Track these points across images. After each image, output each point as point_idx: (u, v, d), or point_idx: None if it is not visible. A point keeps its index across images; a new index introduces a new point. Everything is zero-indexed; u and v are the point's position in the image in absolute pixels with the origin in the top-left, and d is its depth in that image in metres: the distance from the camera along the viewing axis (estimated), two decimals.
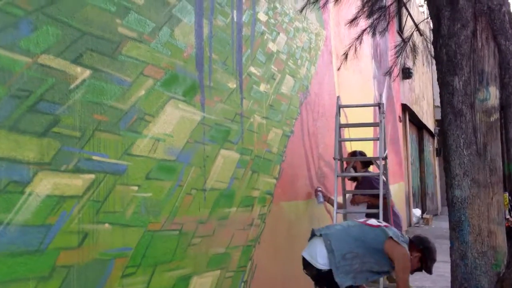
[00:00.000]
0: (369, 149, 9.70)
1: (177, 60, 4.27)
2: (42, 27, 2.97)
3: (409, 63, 7.14)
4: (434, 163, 23.76)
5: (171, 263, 4.07)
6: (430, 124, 21.57)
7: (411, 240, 4.35)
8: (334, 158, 6.63)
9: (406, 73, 15.09)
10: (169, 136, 4.10)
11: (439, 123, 21.55)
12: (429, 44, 6.15)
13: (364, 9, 5.71)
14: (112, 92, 3.49)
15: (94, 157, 3.31)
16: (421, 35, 6.69)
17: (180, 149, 4.24)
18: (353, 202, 6.78)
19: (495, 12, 4.08)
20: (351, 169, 6.93)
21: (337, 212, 6.39)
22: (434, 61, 4.40)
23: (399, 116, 14.64)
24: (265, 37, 6.02)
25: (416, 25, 5.99)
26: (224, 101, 4.97)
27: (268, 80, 6.02)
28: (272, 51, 6.20)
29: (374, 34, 6.03)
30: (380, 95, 7.89)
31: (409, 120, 17.04)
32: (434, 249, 4.36)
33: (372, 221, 4.52)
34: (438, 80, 4.26)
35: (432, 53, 4.50)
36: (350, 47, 6.44)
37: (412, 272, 4.34)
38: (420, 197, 19.72)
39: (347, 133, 8.95)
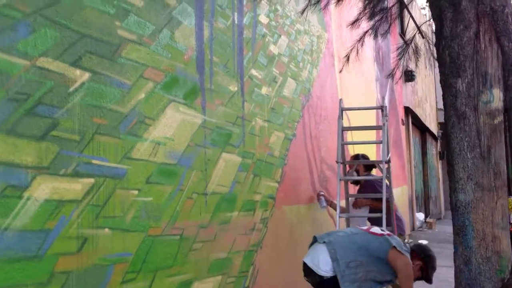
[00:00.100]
0: (372, 152, 9.65)
1: (178, 62, 4.24)
2: (40, 29, 2.94)
3: (412, 66, 7.09)
4: (437, 166, 23.69)
5: (172, 268, 4.02)
6: (433, 127, 21.52)
7: (412, 249, 4.32)
8: (337, 162, 6.58)
9: (409, 76, 15.05)
10: (169, 140, 4.07)
11: (442, 126, 21.48)
12: (431, 46, 6.11)
13: (366, 11, 5.67)
14: (111, 95, 3.46)
15: (94, 161, 3.27)
16: (423, 37, 6.65)
17: (181, 152, 4.21)
18: (355, 205, 6.73)
19: (498, 13, 4.04)
20: (354, 173, 6.87)
21: (340, 216, 6.33)
22: (436, 63, 4.36)
23: (402, 119, 14.60)
24: (267, 39, 5.99)
25: (418, 27, 5.95)
26: (225, 104, 4.93)
27: (270, 83, 5.98)
28: (274, 54, 6.16)
29: (376, 36, 5.99)
30: (383, 98, 7.83)
31: (412, 123, 16.98)
32: (434, 258, 4.33)
33: (376, 229, 4.47)
34: (441, 82, 4.21)
35: (435, 55, 4.45)
36: (352, 49, 6.40)
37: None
38: (423, 200, 19.65)
39: (349, 136, 8.91)
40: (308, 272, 4.25)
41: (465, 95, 4.01)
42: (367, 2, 5.59)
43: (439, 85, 4.29)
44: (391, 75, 6.78)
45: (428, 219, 17.39)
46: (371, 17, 5.69)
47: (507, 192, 4.03)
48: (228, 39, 5.08)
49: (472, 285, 3.89)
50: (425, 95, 19.78)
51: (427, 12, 19.36)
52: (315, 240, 4.39)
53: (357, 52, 6.31)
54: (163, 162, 3.97)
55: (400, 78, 10.58)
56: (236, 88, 5.15)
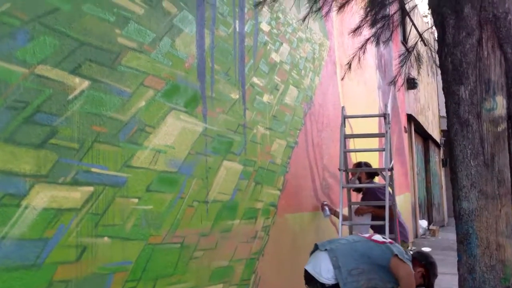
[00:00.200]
0: (375, 160, 9.62)
1: (178, 70, 4.22)
2: (39, 37, 2.92)
3: (414, 73, 7.06)
4: (440, 174, 23.62)
5: (173, 277, 3.99)
6: (436, 134, 21.47)
7: (413, 257, 4.29)
8: (339, 169, 6.55)
9: (411, 83, 15.01)
10: (170, 148, 4.04)
11: (444, 133, 21.48)
12: (433, 54, 6.08)
13: (367, 18, 5.64)
14: (111, 103, 3.44)
15: (93, 169, 3.25)
16: (425, 44, 6.63)
17: (181, 160, 4.18)
18: (357, 212, 6.69)
19: (500, 20, 4.01)
20: (356, 180, 6.85)
21: (342, 224, 6.30)
22: (439, 71, 4.33)
23: (405, 127, 14.56)
24: (268, 47, 5.97)
25: (420, 35, 5.93)
26: (227, 112, 4.91)
27: (272, 90, 5.96)
28: (275, 62, 6.15)
29: (377, 44, 5.96)
30: (385, 106, 7.83)
31: (415, 130, 16.95)
32: (436, 265, 4.31)
33: (377, 237, 4.45)
34: (443, 89, 4.18)
35: (437, 62, 4.42)
36: (353, 56, 6.37)
37: None
38: (426, 208, 19.58)
39: (352, 144, 8.87)
40: (309, 279, 4.22)
41: (468, 103, 3.98)
42: (368, 9, 5.56)
43: (442, 92, 4.26)
44: (393, 82, 6.74)
45: (431, 227, 17.32)
46: (372, 25, 5.67)
47: (511, 200, 3.98)
48: (230, 47, 5.07)
49: None
50: (428, 103, 19.75)
51: (429, 20, 19.36)
52: (316, 248, 4.36)
53: (359, 60, 6.29)
54: (163, 170, 3.94)
55: (402, 86, 10.55)
56: (237, 96, 5.13)
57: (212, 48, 4.76)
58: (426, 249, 11.38)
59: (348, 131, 8.17)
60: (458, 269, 4.00)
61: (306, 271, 4.25)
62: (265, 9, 5.93)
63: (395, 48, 13.18)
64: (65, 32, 3.11)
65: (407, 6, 6.20)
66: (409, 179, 15.12)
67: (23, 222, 2.75)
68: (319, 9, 5.51)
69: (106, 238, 3.32)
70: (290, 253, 6.09)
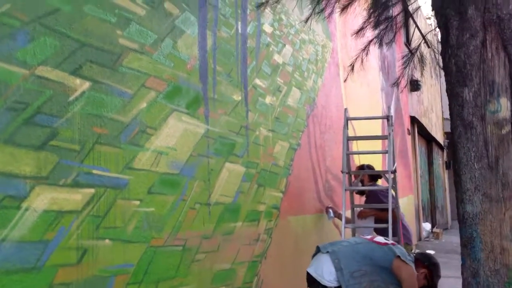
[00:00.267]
0: (378, 162, 9.59)
1: (180, 72, 4.20)
2: (39, 38, 2.90)
3: (417, 75, 7.03)
4: (443, 176, 23.55)
5: (174, 279, 3.97)
6: (439, 136, 21.41)
7: (416, 258, 4.26)
8: (342, 172, 6.53)
9: (415, 85, 14.98)
10: (172, 149, 4.02)
11: (448, 135, 21.41)
12: (437, 55, 6.06)
13: (370, 20, 5.61)
14: (112, 104, 3.42)
15: (94, 171, 3.23)
16: (428, 46, 6.60)
17: (183, 162, 4.16)
18: (360, 216, 6.67)
19: (504, 21, 3.98)
20: (359, 183, 6.82)
21: (345, 227, 6.27)
22: (442, 73, 4.30)
23: (408, 129, 14.53)
24: (271, 49, 5.95)
25: (423, 36, 5.90)
26: (229, 113, 4.89)
27: (274, 92, 5.94)
28: (278, 63, 6.12)
29: (380, 45, 5.93)
30: (388, 108, 7.78)
31: (418, 132, 16.90)
32: (439, 266, 4.29)
33: (379, 239, 4.42)
34: (447, 91, 4.15)
35: (441, 64, 4.39)
36: (356, 58, 6.35)
37: None
38: (430, 210, 19.52)
39: (355, 146, 8.85)
40: (311, 282, 4.20)
41: (472, 105, 3.95)
42: (371, 11, 5.54)
43: (445, 94, 4.23)
44: (396, 83, 6.72)
45: (434, 229, 17.25)
46: (375, 26, 5.64)
47: None
48: (232, 48, 5.04)
49: None
50: (431, 105, 19.70)
51: (432, 22, 19.33)
52: (318, 250, 4.34)
53: (362, 61, 6.26)
54: (165, 172, 3.92)
55: (405, 87, 10.51)
56: (239, 98, 5.11)
57: (214, 50, 4.74)
58: (429, 252, 11.33)
59: (351, 133, 8.14)
60: (462, 273, 3.96)
61: (308, 273, 4.22)
62: (268, 10, 5.91)
63: (399, 50, 13.15)
64: (65, 33, 3.09)
65: (410, 8, 6.17)
66: (413, 182, 15.08)
67: (23, 224, 2.73)
68: (322, 10, 5.49)
69: (107, 241, 3.30)
70: (292, 255, 6.07)
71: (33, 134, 2.82)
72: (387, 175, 6.43)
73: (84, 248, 3.12)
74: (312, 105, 7.21)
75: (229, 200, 4.80)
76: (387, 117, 6.80)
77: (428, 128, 18.11)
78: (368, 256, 4.13)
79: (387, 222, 5.98)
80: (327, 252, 4.19)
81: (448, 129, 4.51)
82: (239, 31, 5.23)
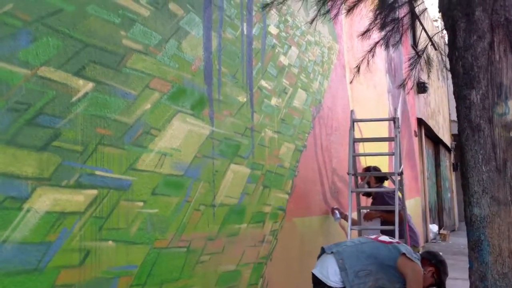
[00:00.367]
0: (385, 164, 9.55)
1: (185, 73, 4.18)
2: (42, 38, 2.89)
3: (424, 77, 7.00)
4: (451, 178, 23.46)
5: (179, 281, 3.94)
6: (446, 138, 21.33)
7: (422, 256, 4.21)
8: (348, 173, 6.49)
9: (422, 88, 14.93)
10: (176, 151, 4.00)
11: (455, 137, 21.32)
12: (444, 57, 6.01)
13: (377, 21, 5.58)
14: (116, 105, 3.40)
15: (97, 172, 3.21)
16: (435, 48, 6.56)
17: (188, 163, 4.14)
18: (366, 217, 6.64)
19: None
20: (365, 185, 6.78)
21: (351, 229, 6.24)
22: (449, 75, 4.26)
23: (415, 131, 14.47)
24: (276, 50, 5.92)
25: (430, 38, 5.86)
26: (234, 115, 4.87)
27: (280, 94, 5.91)
28: (284, 65, 6.10)
29: (387, 47, 5.90)
30: (395, 110, 7.75)
31: (425, 134, 16.83)
32: (446, 263, 4.22)
33: (384, 238, 4.39)
34: (454, 93, 4.11)
35: (448, 66, 4.35)
36: (362, 60, 6.31)
37: None
38: (437, 212, 19.44)
39: (361, 148, 8.81)
40: (317, 283, 4.17)
41: (480, 107, 3.90)
42: (378, 12, 5.50)
43: (452, 96, 4.19)
44: (402, 85, 6.67)
45: (442, 231, 17.16)
46: (382, 28, 5.60)
47: None
48: (237, 49, 5.02)
49: None
50: (438, 107, 19.63)
51: (439, 24, 19.27)
52: (323, 251, 4.30)
53: (368, 63, 6.22)
54: (169, 173, 3.90)
55: (411, 89, 10.47)
56: (245, 99, 5.09)
57: (219, 51, 4.72)
58: None
59: (357, 135, 8.11)
60: (470, 277, 3.92)
61: (313, 275, 4.19)
62: (274, 12, 5.88)
63: (405, 52, 13.09)
64: (68, 34, 3.07)
65: (416, 10, 6.13)
66: (420, 184, 15.01)
67: (25, 226, 2.71)
68: (328, 11, 5.45)
69: (110, 242, 3.28)
70: (298, 257, 6.03)
71: (35, 135, 2.81)
72: (393, 177, 6.39)
73: (87, 249, 3.10)
74: (318, 106, 7.18)
75: (234, 201, 4.77)
76: (394, 119, 6.76)
77: (435, 130, 18.04)
78: (373, 255, 4.09)
79: (393, 224, 5.94)
80: (332, 252, 4.16)
81: (455, 131, 4.46)
82: (245, 32, 5.21)
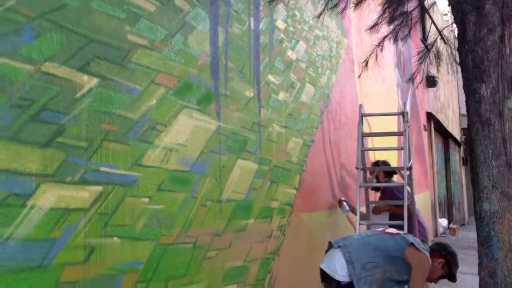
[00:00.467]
0: (394, 159, 9.49)
1: (191, 68, 4.15)
2: (45, 34, 2.86)
3: (433, 71, 6.94)
4: (460, 172, 23.35)
5: (185, 277, 3.92)
6: (456, 132, 21.21)
7: (431, 248, 4.16)
8: (357, 168, 6.45)
9: (431, 82, 14.83)
10: (182, 146, 3.97)
11: (465, 131, 21.21)
12: (453, 51, 5.95)
13: (385, 15, 5.52)
14: (121, 101, 3.37)
15: (102, 168, 3.19)
16: (445, 42, 6.49)
17: (194, 159, 4.11)
18: (374, 211, 6.60)
19: None
20: (374, 179, 6.74)
21: (360, 224, 6.19)
22: (459, 69, 4.21)
23: (424, 125, 14.38)
24: (284, 45, 5.88)
25: (440, 32, 5.79)
26: (241, 110, 4.83)
27: (287, 88, 5.87)
28: (291, 59, 6.05)
29: (395, 41, 5.84)
30: (404, 104, 7.67)
31: (435, 128, 16.74)
32: (456, 254, 4.17)
33: (391, 230, 4.35)
34: (464, 87, 4.06)
35: (458, 59, 4.30)
36: (371, 54, 6.26)
37: (436, 280, 4.19)
38: (447, 206, 19.36)
39: (370, 142, 8.76)
40: (325, 278, 4.14)
41: (490, 101, 3.86)
42: (386, 6, 5.44)
43: (462, 90, 4.14)
44: (411, 79, 6.61)
45: (451, 225, 17.11)
46: (390, 22, 5.54)
47: None
48: (244, 44, 4.98)
49: None
50: (448, 101, 19.51)
51: (449, 18, 19.12)
52: (330, 246, 4.28)
53: (376, 57, 6.17)
54: (175, 169, 3.88)
55: (420, 83, 10.40)
56: (252, 94, 5.05)
57: (226, 46, 4.68)
58: None
59: (366, 129, 8.06)
60: (479, 273, 3.88)
61: (321, 269, 4.16)
62: (281, 6, 5.84)
63: (415, 46, 13.00)
64: (73, 29, 3.05)
65: (426, 3, 6.06)
66: (429, 178, 14.94)
67: (29, 223, 2.69)
68: (335, 5, 5.40)
69: (115, 238, 3.26)
70: (306, 252, 6.01)
71: (39, 131, 2.79)
72: (402, 172, 6.35)
73: (92, 246, 3.08)
74: (326, 101, 7.13)
75: (241, 197, 4.74)
76: (403, 113, 6.70)
77: (445, 124, 17.94)
78: (380, 247, 4.05)
79: (402, 217, 5.90)
80: (339, 246, 4.13)
81: (465, 125, 4.41)
82: (252, 27, 5.17)
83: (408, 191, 6.20)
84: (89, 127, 3.11)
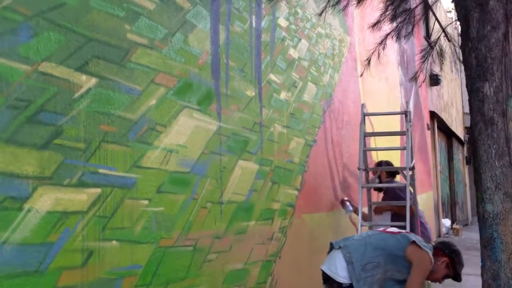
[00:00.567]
0: (397, 158, 9.43)
1: (192, 67, 4.10)
2: (43, 33, 2.82)
3: (436, 69, 6.87)
4: (464, 172, 23.27)
5: (185, 281, 3.88)
6: (460, 131, 21.13)
7: (435, 247, 4.10)
8: (359, 168, 6.40)
9: (434, 80, 14.76)
10: (182, 147, 3.93)
11: (468, 130, 21.12)
12: (457, 49, 5.89)
13: (387, 13, 5.46)
14: (120, 101, 3.33)
15: (100, 170, 3.14)
16: (449, 40, 6.43)
17: (194, 160, 4.06)
18: (376, 211, 6.55)
19: None
20: (376, 179, 6.68)
21: (362, 225, 6.15)
22: (463, 67, 4.15)
23: (427, 124, 14.32)
24: (286, 43, 5.83)
25: (443, 29, 5.74)
26: (242, 109, 4.78)
27: (289, 87, 5.82)
28: (293, 58, 6.00)
29: (398, 39, 5.78)
30: (407, 103, 7.58)
31: (438, 127, 16.67)
32: (460, 253, 4.10)
33: (392, 229, 4.30)
34: (467, 86, 4.01)
35: (461, 57, 4.24)
36: (373, 52, 6.20)
37: (441, 280, 4.12)
38: (450, 206, 19.28)
39: (373, 142, 8.70)
40: (326, 279, 4.09)
41: (493, 100, 3.80)
42: (388, 3, 5.38)
43: (466, 89, 4.08)
44: (414, 78, 6.55)
45: (454, 225, 17.02)
46: (393, 19, 5.49)
47: None
48: (245, 43, 4.93)
49: None
50: (451, 99, 19.44)
51: (453, 15, 19.05)
52: (332, 247, 4.23)
53: (379, 55, 6.11)
54: (175, 170, 3.83)
55: (423, 82, 10.34)
56: (253, 93, 5.00)
57: (227, 44, 4.63)
58: None
59: (369, 129, 8.01)
60: (482, 275, 3.83)
61: (323, 271, 4.12)
62: (283, 4, 5.78)
63: (418, 44, 12.94)
64: (71, 28, 3.00)
65: (429, 0, 6.00)
66: (432, 177, 14.88)
67: (26, 226, 2.65)
68: (337, 2, 5.35)
69: (114, 242, 3.21)
70: (308, 254, 5.96)
71: (36, 132, 2.74)
72: (405, 172, 6.29)
73: (90, 249, 3.03)
74: (329, 100, 7.08)
75: (242, 198, 4.70)
76: (405, 113, 6.65)
77: (448, 123, 17.87)
78: (380, 247, 4.00)
79: (404, 217, 5.86)
80: (339, 247, 4.08)
81: (469, 124, 4.35)
82: (253, 25, 5.12)
83: (410, 190, 6.15)
84: (88, 128, 3.06)
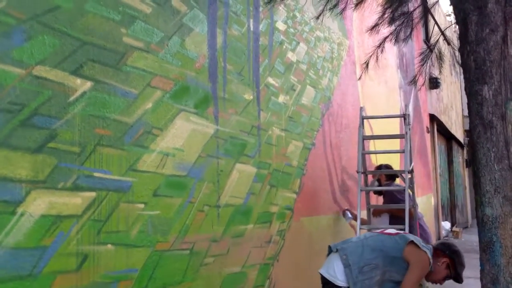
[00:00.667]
0: (396, 161, 9.41)
1: (188, 70, 4.08)
2: (37, 36, 2.80)
3: (435, 72, 6.85)
4: (463, 174, 23.25)
5: (181, 284, 3.86)
6: (459, 134, 21.13)
7: (435, 248, 4.06)
8: (358, 171, 6.38)
9: (434, 83, 14.76)
10: (179, 151, 3.91)
11: (468, 133, 21.11)
12: (456, 52, 5.87)
13: (385, 16, 5.45)
14: (115, 104, 3.31)
15: (95, 174, 3.12)
16: (448, 44, 6.41)
17: (191, 163, 4.04)
18: (374, 214, 6.53)
19: None
20: (376, 182, 6.67)
21: (360, 228, 6.12)
22: (462, 70, 4.13)
23: (427, 127, 14.30)
24: (284, 46, 5.81)
25: (442, 32, 5.72)
26: (240, 113, 4.76)
27: (288, 91, 5.80)
28: (292, 61, 5.98)
29: (396, 42, 5.76)
30: (406, 106, 7.54)
31: (437, 130, 16.66)
32: (461, 253, 4.07)
33: (391, 230, 4.26)
34: (465, 89, 3.98)
35: (460, 61, 4.23)
36: (371, 55, 6.18)
37: (441, 281, 4.08)
38: (450, 209, 19.26)
39: (372, 145, 8.68)
40: (325, 283, 4.06)
41: (492, 103, 3.78)
42: (386, 6, 5.37)
43: (465, 91, 4.06)
44: (413, 81, 6.54)
45: (454, 228, 17.00)
46: (391, 22, 5.47)
47: None
48: (243, 46, 4.92)
49: None
50: (451, 102, 19.43)
51: (452, 18, 19.05)
52: (330, 250, 4.20)
53: (377, 59, 6.09)
54: (171, 173, 3.81)
55: (423, 85, 10.34)
56: (251, 97, 4.98)
57: (225, 48, 4.61)
58: None
59: (368, 132, 7.99)
60: (481, 279, 3.80)
61: (321, 275, 4.09)
62: (281, 7, 5.77)
63: (417, 47, 12.93)
64: (65, 31, 2.98)
65: (428, 3, 5.98)
66: (432, 180, 14.86)
67: (19, 230, 2.62)
68: (335, 6, 5.33)
69: (109, 246, 3.19)
70: (306, 258, 5.93)
71: (30, 136, 2.72)
72: (403, 175, 6.27)
73: (85, 253, 3.01)
74: (328, 103, 7.06)
75: (240, 201, 4.67)
76: (404, 116, 6.63)
77: (448, 126, 17.86)
78: (378, 248, 3.96)
79: (402, 218, 5.83)
80: (337, 250, 4.05)
81: (468, 127, 4.33)
82: (251, 28, 5.10)
83: (409, 193, 6.13)
84: (82, 132, 3.04)
